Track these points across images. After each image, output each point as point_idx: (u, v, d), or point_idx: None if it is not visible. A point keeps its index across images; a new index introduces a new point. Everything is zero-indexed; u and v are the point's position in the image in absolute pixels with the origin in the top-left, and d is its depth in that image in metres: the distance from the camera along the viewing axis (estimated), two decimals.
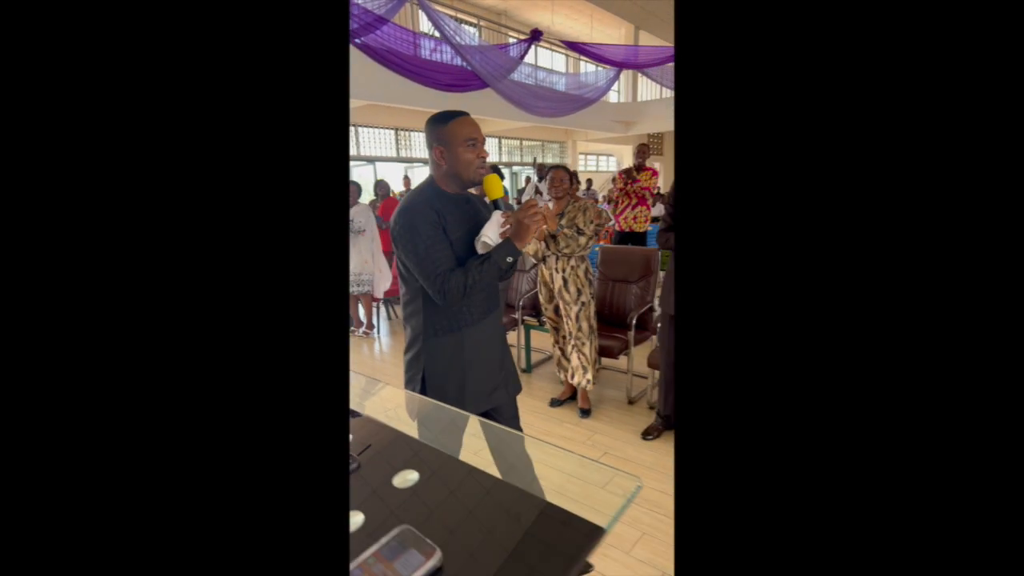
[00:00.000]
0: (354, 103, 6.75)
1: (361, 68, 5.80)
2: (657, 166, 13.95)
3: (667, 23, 11.19)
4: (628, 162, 12.88)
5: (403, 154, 8.63)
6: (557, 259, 2.34)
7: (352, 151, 7.80)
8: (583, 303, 2.34)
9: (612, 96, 12.54)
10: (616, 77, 9.12)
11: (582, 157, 14.11)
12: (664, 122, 10.59)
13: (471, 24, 10.12)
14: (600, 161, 15.13)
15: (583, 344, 2.36)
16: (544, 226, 1.23)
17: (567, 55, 10.66)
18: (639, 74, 11.31)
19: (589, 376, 2.40)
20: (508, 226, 1.21)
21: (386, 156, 8.32)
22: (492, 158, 10.28)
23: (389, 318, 4.54)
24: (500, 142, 10.53)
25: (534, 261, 2.57)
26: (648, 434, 2.24)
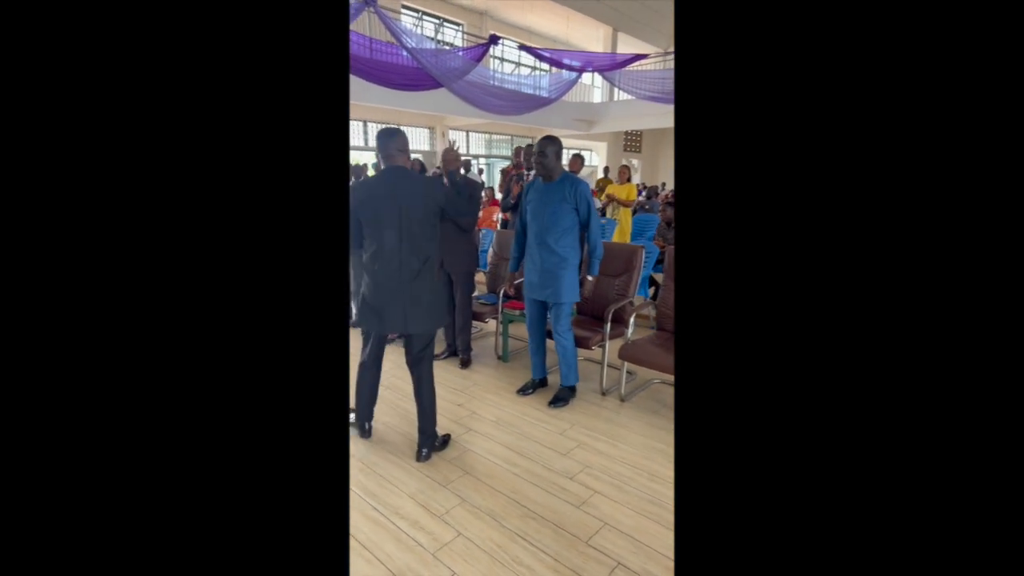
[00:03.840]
0: None
1: None
2: (635, 162, 14.59)
3: (643, 25, 11.74)
4: (603, 157, 13.59)
5: (371, 144, 9.48)
6: None
7: None
8: None
9: (596, 95, 13.17)
10: (575, 80, 9.77)
11: (565, 151, 14.86)
12: (623, 122, 11.24)
13: (454, 24, 10.87)
14: (591, 156, 15.87)
15: None
16: None
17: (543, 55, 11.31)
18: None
19: None
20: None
21: (355, 145, 9.20)
22: (461, 151, 11.05)
23: None
24: (468, 135, 11.30)
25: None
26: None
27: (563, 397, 2.59)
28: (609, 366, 2.80)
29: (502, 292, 3.12)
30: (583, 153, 15.43)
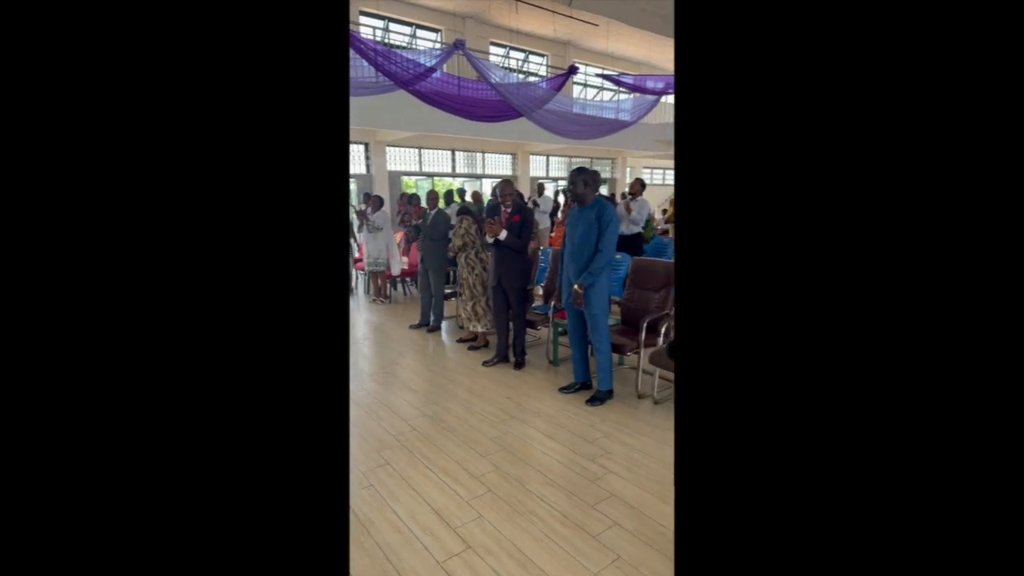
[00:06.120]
0: (416, 133, 8.45)
1: (421, 106, 7.27)
2: None
3: None
4: None
5: (458, 170, 10.34)
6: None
7: (415, 168, 9.66)
8: (470, 278, 3.72)
9: None
10: (655, 102, 9.95)
11: (647, 171, 14.92)
12: None
13: (540, 55, 11.59)
14: (667, 175, 15.79)
15: (466, 303, 3.75)
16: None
17: (627, 74, 11.62)
18: None
19: (474, 324, 3.76)
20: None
21: (443, 172, 10.11)
22: (540, 174, 11.59)
23: (405, 293, 6.16)
24: (548, 160, 11.83)
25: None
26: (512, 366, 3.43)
27: (600, 398, 2.89)
28: (644, 372, 3.05)
29: (552, 304, 3.50)
30: (668, 172, 15.41)
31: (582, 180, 2.80)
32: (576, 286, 2.76)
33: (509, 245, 3.29)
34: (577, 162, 12.48)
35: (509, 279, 3.37)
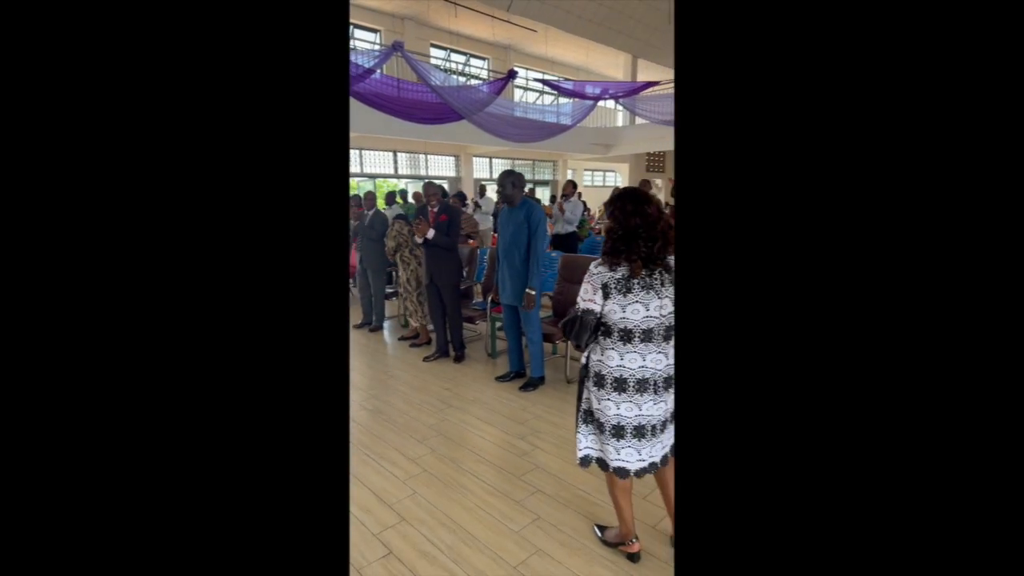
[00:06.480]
0: (357, 134, 8.40)
1: (361, 107, 7.24)
2: (658, 182, 14.98)
3: (662, 51, 12.26)
4: (625, 177, 14.08)
5: (400, 172, 10.36)
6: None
7: (356, 169, 9.58)
8: (404, 274, 3.87)
9: (619, 119, 13.76)
10: (592, 107, 10.36)
11: (588, 173, 15.46)
12: (641, 144, 11.72)
13: (481, 59, 11.77)
14: (607, 177, 16.43)
15: (406, 298, 3.89)
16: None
17: (566, 80, 12.01)
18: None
19: (403, 317, 3.93)
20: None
21: (385, 173, 10.10)
22: (483, 176, 11.79)
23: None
24: (491, 161, 12.05)
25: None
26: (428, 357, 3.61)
27: (533, 384, 3.11)
28: (572, 359, 3.29)
29: (489, 299, 3.68)
30: (616, 175, 16.05)
31: (510, 182, 2.99)
32: (529, 290, 2.91)
33: (438, 244, 3.45)
34: (520, 164, 12.77)
35: (440, 276, 3.52)
